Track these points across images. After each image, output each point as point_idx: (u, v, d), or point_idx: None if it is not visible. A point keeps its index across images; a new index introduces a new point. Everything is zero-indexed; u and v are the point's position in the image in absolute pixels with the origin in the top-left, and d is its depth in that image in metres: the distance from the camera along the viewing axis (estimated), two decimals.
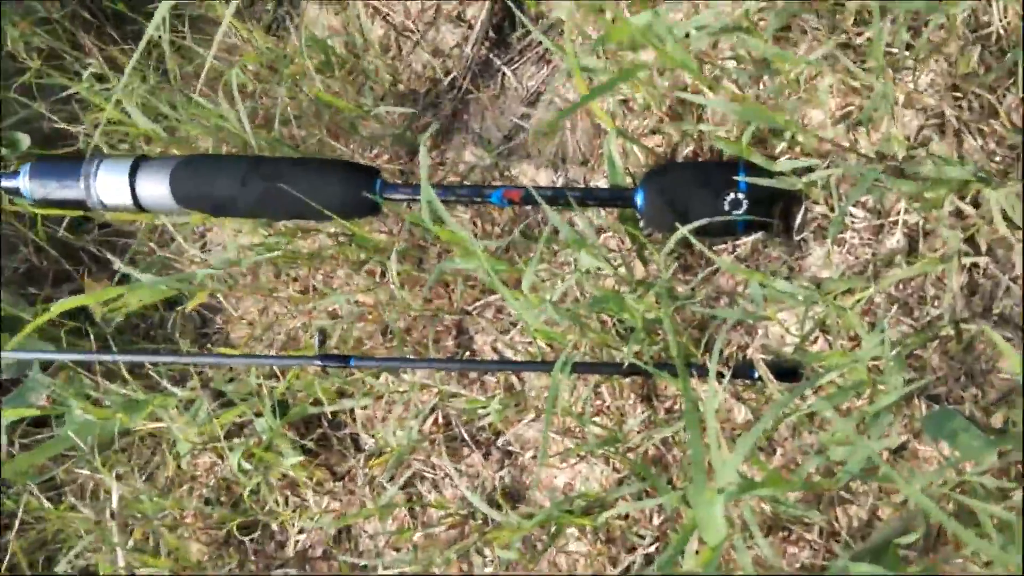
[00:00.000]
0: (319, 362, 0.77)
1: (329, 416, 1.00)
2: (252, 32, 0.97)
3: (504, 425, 0.87)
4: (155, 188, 0.80)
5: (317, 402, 0.95)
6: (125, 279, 1.26)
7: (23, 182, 0.81)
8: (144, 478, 1.08)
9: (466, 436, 0.89)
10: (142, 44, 0.93)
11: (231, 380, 1.03)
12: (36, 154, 1.14)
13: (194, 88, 1.07)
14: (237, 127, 0.88)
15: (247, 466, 0.97)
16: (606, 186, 0.79)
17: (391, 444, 0.88)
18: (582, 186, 0.84)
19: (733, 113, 0.65)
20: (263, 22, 1.13)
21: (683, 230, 0.64)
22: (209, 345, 1.18)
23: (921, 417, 0.66)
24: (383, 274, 0.97)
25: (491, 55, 1.01)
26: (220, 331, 1.17)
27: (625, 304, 0.67)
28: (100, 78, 1.10)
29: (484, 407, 0.82)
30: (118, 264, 0.85)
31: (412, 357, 0.88)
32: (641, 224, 0.76)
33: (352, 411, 0.99)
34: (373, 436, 0.94)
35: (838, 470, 0.58)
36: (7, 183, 0.83)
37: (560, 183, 0.91)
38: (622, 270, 0.73)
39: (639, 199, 0.75)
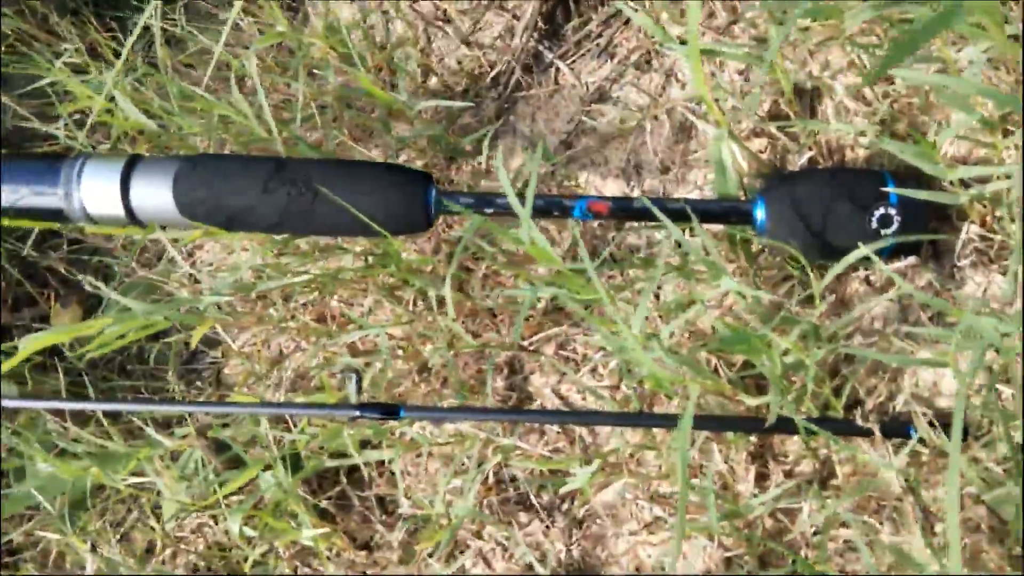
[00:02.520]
0: (358, 412, 0.62)
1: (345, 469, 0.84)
2: (272, 8, 0.81)
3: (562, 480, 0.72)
4: (154, 195, 0.64)
5: (336, 454, 0.79)
6: (98, 303, 1.09)
7: None
8: (117, 539, 0.90)
9: (529, 499, 0.74)
10: (139, 26, 0.78)
11: (225, 425, 0.87)
12: None
13: (187, 80, 0.92)
14: (249, 121, 0.73)
15: (250, 532, 0.80)
16: (713, 197, 0.65)
17: (435, 508, 0.72)
18: (684, 197, 0.70)
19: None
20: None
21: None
22: (199, 383, 1.01)
23: None
24: (414, 301, 0.82)
25: (541, 48, 0.87)
26: (211, 366, 1.00)
27: (763, 345, 0.53)
28: (75, 68, 0.94)
29: (562, 468, 0.67)
30: (103, 288, 0.69)
31: (478, 406, 0.73)
32: (759, 243, 0.62)
33: (378, 465, 0.83)
34: (409, 497, 0.78)
35: None
36: None
37: (636, 194, 0.77)
38: (750, 303, 0.59)
39: (759, 213, 0.61)
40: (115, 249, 1.06)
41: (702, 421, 0.56)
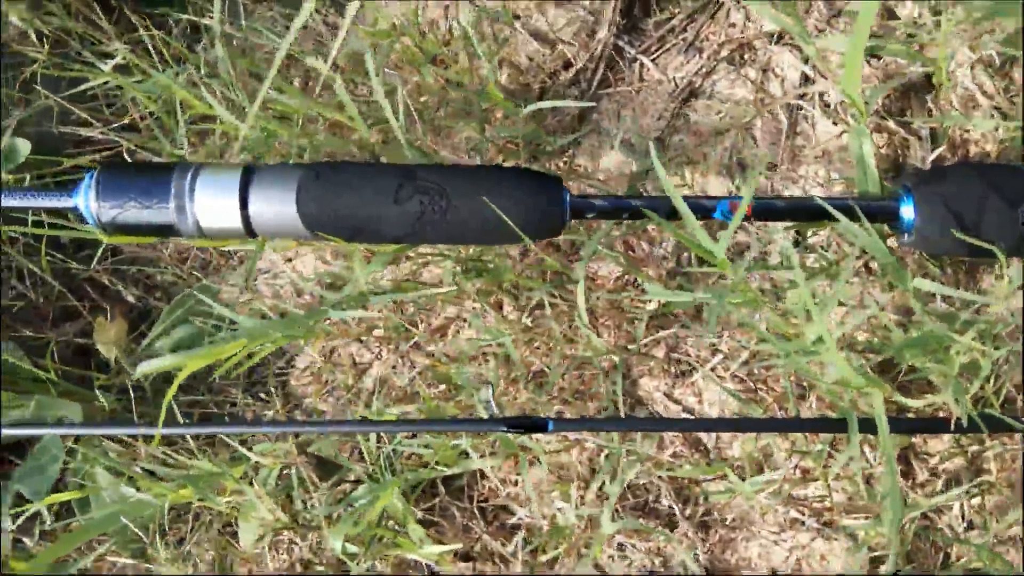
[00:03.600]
0: (504, 428, 0.59)
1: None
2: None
3: (689, 486, 0.71)
4: (275, 207, 0.60)
5: (438, 463, 0.77)
6: (144, 316, 1.04)
7: (87, 200, 0.60)
8: (205, 560, 0.86)
9: (651, 505, 0.72)
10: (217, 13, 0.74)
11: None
12: (38, 162, 0.92)
13: (243, 84, 0.88)
14: (356, 123, 0.69)
15: (353, 548, 0.77)
16: (854, 195, 0.64)
17: (568, 517, 0.70)
18: (827, 196, 0.68)
19: None
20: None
21: None
22: (263, 394, 0.97)
23: None
24: (499, 306, 0.80)
25: (621, 43, 0.85)
26: (280, 375, 0.96)
27: (941, 347, 0.53)
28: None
29: (708, 474, 0.66)
30: (216, 305, 0.65)
31: (628, 417, 0.71)
32: (905, 242, 0.61)
33: (479, 474, 0.81)
34: (522, 506, 0.76)
35: None
36: (60, 202, 0.62)
37: (742, 193, 0.76)
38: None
39: (906, 211, 0.60)
40: (160, 259, 1.01)
41: (898, 424, 0.55)
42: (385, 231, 0.61)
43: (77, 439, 0.87)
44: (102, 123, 0.91)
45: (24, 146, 0.90)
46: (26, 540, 0.87)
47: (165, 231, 0.61)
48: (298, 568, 0.86)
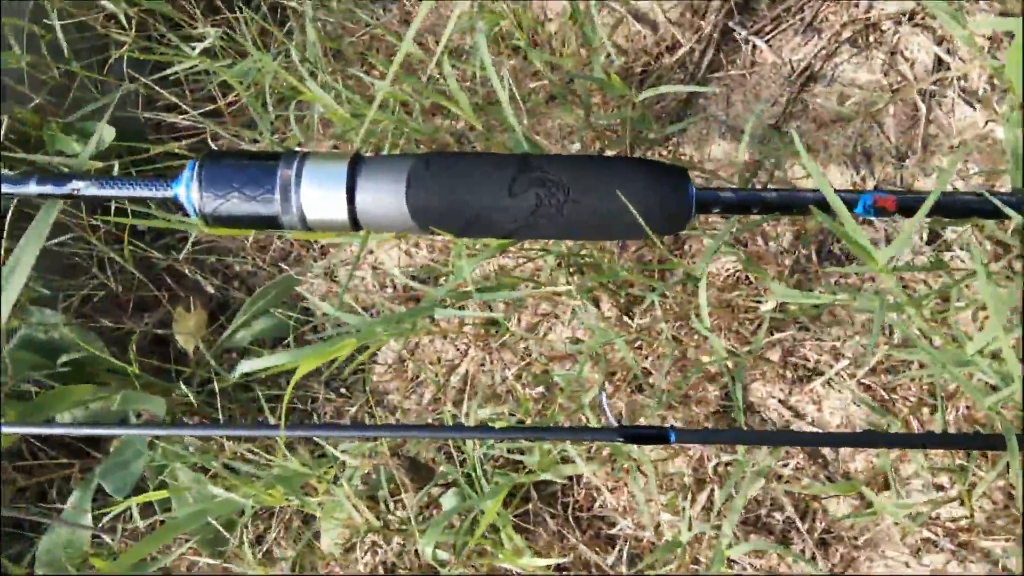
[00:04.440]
0: (621, 439, 0.55)
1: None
2: None
3: (807, 501, 0.67)
4: (384, 198, 0.57)
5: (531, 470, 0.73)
6: (223, 307, 1.02)
7: (188, 190, 0.57)
8: (277, 568, 0.84)
9: (763, 520, 0.68)
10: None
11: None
12: (123, 148, 0.90)
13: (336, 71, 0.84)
14: (462, 108, 0.66)
15: (443, 554, 0.74)
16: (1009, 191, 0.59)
17: (688, 530, 0.66)
18: (982, 191, 0.63)
19: None
20: None
21: None
22: (344, 390, 0.94)
23: None
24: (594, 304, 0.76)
25: (731, 23, 0.80)
26: (358, 371, 0.93)
27: None
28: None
29: (837, 492, 0.61)
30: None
31: (754, 430, 0.66)
32: None
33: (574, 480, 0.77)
34: (624, 516, 0.72)
35: None
36: (160, 192, 0.59)
37: (871, 185, 0.70)
38: None
39: None
40: (242, 249, 0.99)
41: None
42: (498, 224, 0.57)
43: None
44: (187, 109, 0.89)
45: (108, 132, 0.88)
46: (106, 537, 0.86)
47: (267, 223, 0.58)
48: (381, 571, 0.83)
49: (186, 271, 0.99)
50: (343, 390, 0.94)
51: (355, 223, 0.58)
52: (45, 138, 0.90)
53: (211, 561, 0.83)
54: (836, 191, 0.59)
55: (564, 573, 0.76)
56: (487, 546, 0.68)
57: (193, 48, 0.83)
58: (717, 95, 0.79)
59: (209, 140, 0.92)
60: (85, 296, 0.97)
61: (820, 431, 0.66)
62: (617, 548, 0.72)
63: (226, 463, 0.79)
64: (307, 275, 0.94)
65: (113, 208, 0.83)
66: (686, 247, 0.78)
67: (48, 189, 0.57)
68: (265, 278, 0.99)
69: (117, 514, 0.83)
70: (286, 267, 0.96)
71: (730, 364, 0.69)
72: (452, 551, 0.73)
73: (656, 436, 0.56)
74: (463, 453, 0.74)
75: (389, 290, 0.94)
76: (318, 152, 0.58)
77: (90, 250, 0.94)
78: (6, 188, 0.56)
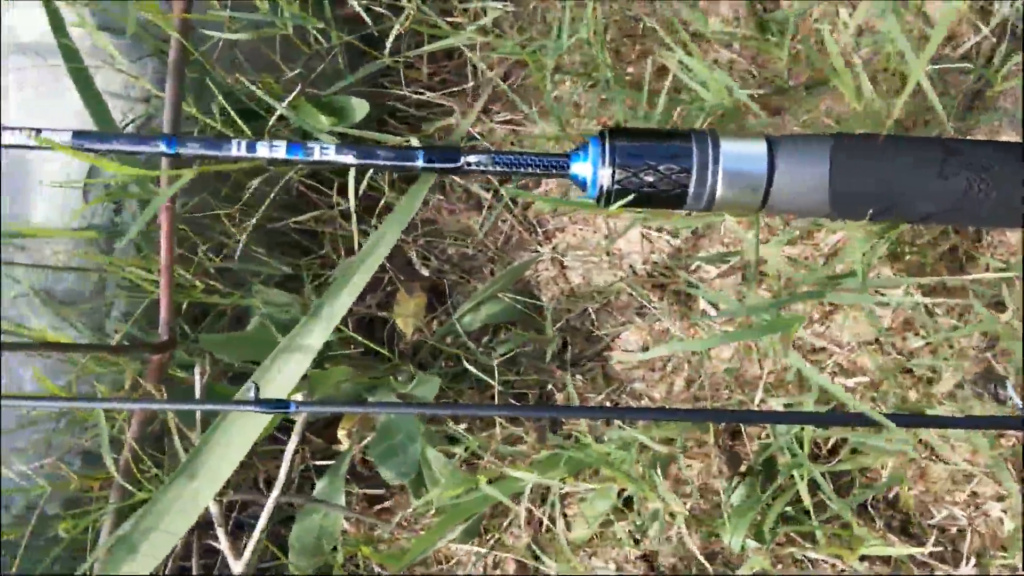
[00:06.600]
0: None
1: None
2: None
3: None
4: (803, 181, 0.55)
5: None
6: (437, 292, 1.00)
7: (595, 166, 0.56)
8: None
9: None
10: None
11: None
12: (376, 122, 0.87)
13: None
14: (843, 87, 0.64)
15: (753, 542, 0.73)
16: None
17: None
18: None
19: None
20: None
21: None
22: (579, 375, 0.92)
23: None
24: None
25: None
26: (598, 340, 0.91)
27: None
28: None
29: None
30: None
31: None
32: None
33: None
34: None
35: None
36: (555, 169, 0.57)
37: None
38: None
39: None
40: (469, 230, 0.97)
41: None
42: (920, 208, 0.56)
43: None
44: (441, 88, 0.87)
45: (361, 106, 0.85)
46: (377, 523, 0.83)
47: (670, 201, 0.57)
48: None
49: (412, 253, 0.96)
50: (579, 376, 0.92)
51: (764, 204, 0.57)
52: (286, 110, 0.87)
53: (476, 549, 0.81)
54: None
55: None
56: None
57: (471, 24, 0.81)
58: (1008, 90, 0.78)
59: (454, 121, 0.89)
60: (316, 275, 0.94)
61: None
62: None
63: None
64: (536, 261, 0.92)
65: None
66: None
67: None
68: (485, 261, 0.98)
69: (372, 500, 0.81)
70: (505, 253, 0.94)
71: None
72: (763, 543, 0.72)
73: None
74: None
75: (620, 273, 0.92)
76: (725, 131, 0.57)
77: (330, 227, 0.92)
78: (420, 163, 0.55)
